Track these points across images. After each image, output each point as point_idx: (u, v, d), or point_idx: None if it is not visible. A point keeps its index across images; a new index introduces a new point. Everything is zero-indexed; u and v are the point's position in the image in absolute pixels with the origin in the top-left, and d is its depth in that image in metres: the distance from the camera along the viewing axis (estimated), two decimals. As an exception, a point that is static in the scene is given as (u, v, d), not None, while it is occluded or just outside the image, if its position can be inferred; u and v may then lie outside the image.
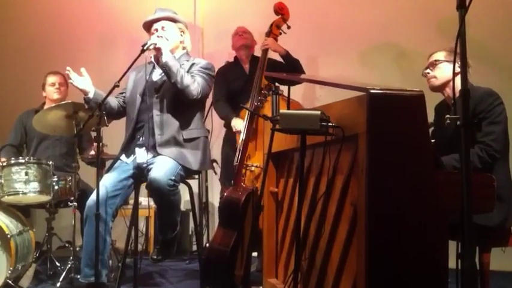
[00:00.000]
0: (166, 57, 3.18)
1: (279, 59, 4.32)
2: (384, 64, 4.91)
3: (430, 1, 4.70)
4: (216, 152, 4.66)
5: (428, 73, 3.01)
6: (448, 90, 2.96)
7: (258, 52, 4.45)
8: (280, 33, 4.19)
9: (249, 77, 4.32)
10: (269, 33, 4.17)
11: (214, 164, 4.59)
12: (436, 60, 2.98)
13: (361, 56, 5.02)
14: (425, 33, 4.60)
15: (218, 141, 5.02)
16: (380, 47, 4.93)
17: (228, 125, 4.32)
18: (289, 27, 4.15)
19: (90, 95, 3.28)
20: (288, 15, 4.16)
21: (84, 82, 3.29)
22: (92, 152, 4.13)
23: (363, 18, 4.99)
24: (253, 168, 3.85)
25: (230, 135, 4.30)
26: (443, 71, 2.95)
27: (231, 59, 4.60)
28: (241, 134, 3.89)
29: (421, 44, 4.45)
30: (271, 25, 4.16)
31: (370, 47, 4.97)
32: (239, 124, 4.05)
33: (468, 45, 1.84)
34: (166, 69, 3.18)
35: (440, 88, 3.00)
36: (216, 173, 4.79)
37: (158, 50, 3.18)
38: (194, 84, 3.25)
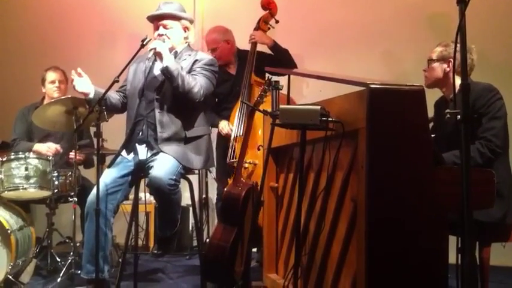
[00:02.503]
0: (166, 62, 3.12)
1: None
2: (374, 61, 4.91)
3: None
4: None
5: (425, 71, 3.04)
6: (444, 88, 2.99)
7: (243, 45, 4.44)
8: (269, 28, 4.21)
9: (236, 77, 4.31)
10: (257, 29, 4.20)
11: None
12: (430, 60, 3.00)
13: (358, 53, 4.99)
14: (417, 31, 4.61)
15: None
16: (373, 44, 4.92)
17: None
18: (277, 21, 4.17)
19: (91, 96, 3.21)
20: (276, 10, 4.18)
21: (84, 84, 3.21)
22: (71, 155, 4.09)
23: (359, 16, 4.98)
24: (246, 165, 3.84)
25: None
26: (433, 71, 3.00)
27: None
28: (234, 131, 3.94)
29: (413, 41, 4.49)
30: (259, 20, 4.18)
31: (365, 44, 4.95)
32: (226, 127, 4.10)
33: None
34: (168, 74, 3.13)
35: (431, 86, 3.03)
36: (210, 171, 4.77)
37: (159, 55, 3.14)
38: (196, 86, 3.20)
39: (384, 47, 4.89)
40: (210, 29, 4.45)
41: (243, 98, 3.91)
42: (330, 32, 5.00)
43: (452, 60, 2.85)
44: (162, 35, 3.30)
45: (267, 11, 4.18)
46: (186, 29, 3.41)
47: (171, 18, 3.34)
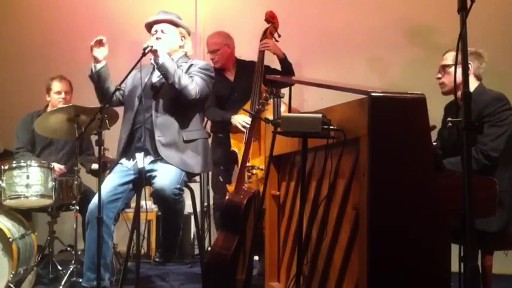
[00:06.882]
0: (163, 59, 3.18)
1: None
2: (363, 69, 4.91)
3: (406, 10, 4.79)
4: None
5: (440, 78, 2.99)
6: (460, 92, 2.96)
7: (244, 49, 4.44)
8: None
9: (234, 84, 4.33)
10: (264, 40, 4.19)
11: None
12: (445, 65, 2.96)
13: (341, 60, 5.02)
14: (400, 39, 4.65)
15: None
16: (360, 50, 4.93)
17: (219, 130, 4.31)
18: (279, 35, 4.21)
19: (99, 66, 3.30)
20: (278, 24, 4.21)
21: (101, 52, 3.32)
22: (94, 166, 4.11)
23: (360, 22, 4.98)
24: (254, 171, 3.84)
25: (222, 140, 4.27)
26: (451, 76, 2.92)
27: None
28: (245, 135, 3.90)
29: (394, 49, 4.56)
30: (265, 32, 4.19)
31: (352, 51, 4.97)
32: (242, 118, 4.03)
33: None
34: (163, 71, 3.18)
35: (450, 93, 2.98)
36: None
37: (155, 52, 3.18)
38: (192, 84, 3.24)
39: (386, 54, 4.90)
40: (213, 32, 4.50)
41: (253, 106, 3.90)
42: (330, 39, 5.00)
43: (471, 63, 2.82)
44: (160, 38, 3.35)
45: (271, 24, 4.19)
46: (183, 37, 3.48)
47: (169, 23, 3.43)
